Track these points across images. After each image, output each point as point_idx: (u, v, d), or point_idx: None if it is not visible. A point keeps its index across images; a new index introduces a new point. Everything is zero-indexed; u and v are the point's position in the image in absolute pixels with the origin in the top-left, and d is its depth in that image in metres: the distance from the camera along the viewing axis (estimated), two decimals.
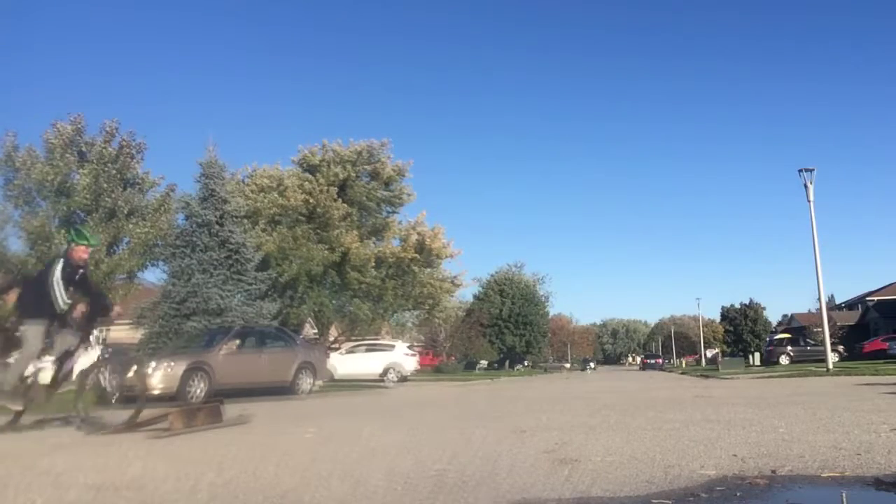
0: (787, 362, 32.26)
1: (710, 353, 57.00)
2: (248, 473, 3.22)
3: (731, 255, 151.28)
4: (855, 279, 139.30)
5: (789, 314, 64.16)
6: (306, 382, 13.73)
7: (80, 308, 6.35)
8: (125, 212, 15.46)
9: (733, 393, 10.23)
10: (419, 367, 28.02)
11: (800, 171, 21.06)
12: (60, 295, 6.12)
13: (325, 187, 25.64)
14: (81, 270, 6.42)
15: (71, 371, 6.41)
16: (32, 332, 6.17)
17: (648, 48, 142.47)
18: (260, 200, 24.84)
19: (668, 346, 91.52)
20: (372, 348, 25.65)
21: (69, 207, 15.06)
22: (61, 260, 6.30)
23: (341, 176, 26.60)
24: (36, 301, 6.19)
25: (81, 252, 6.41)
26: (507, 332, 53.68)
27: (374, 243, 27.17)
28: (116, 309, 6.85)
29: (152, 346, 15.43)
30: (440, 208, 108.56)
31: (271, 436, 5.40)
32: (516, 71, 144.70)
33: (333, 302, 25.48)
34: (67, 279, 6.18)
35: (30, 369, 6.41)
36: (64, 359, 6.37)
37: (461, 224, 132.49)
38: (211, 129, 68.10)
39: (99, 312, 6.63)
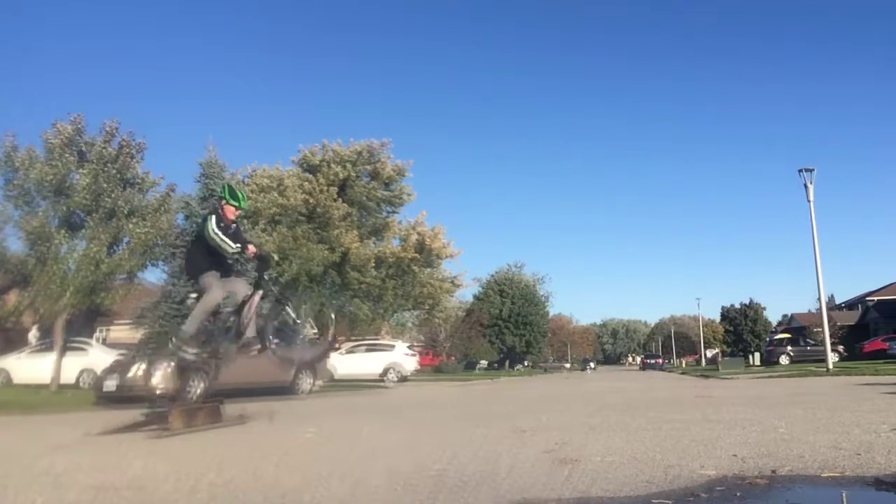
0: (787, 362, 32.27)
1: (710, 353, 56.99)
2: (248, 473, 3.22)
3: (731, 255, 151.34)
4: (855, 279, 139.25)
5: (789, 314, 64.18)
6: (306, 382, 13.73)
7: (251, 248, 6.30)
8: (125, 212, 15.43)
9: (733, 393, 10.23)
10: (419, 367, 28.02)
11: (800, 171, 21.08)
12: (225, 241, 6.12)
13: (325, 187, 25.63)
14: (234, 225, 6.46)
15: (251, 319, 6.35)
16: (209, 281, 6.15)
17: (648, 48, 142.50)
18: (260, 200, 24.83)
19: (668, 346, 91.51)
20: (372, 348, 25.66)
21: (69, 207, 15.03)
22: (213, 215, 6.28)
23: (341, 176, 26.58)
24: (204, 255, 6.21)
25: (230, 212, 6.42)
26: (507, 332, 53.68)
27: (374, 243, 27.16)
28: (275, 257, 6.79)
29: (152, 346, 15.42)
30: (440, 208, 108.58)
31: (271, 436, 5.40)
32: (516, 71, 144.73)
33: (333, 302, 25.48)
34: (223, 231, 6.18)
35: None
36: (241, 308, 6.30)
37: (461, 224, 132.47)
38: (211, 129, 68.17)
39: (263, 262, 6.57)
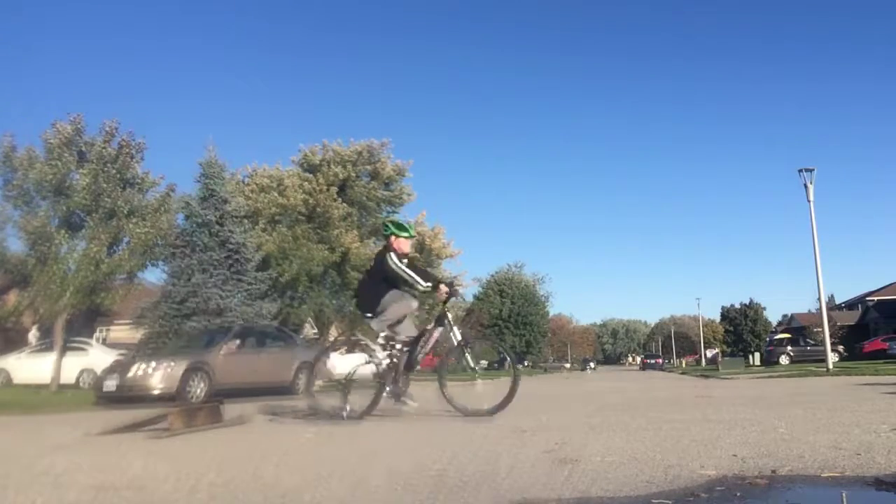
0: (787, 362, 32.28)
1: (710, 353, 57.00)
2: (248, 473, 3.22)
3: (731, 255, 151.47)
4: (855, 279, 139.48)
5: (789, 314, 64.22)
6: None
7: (444, 288, 6.23)
8: (125, 212, 15.44)
9: (733, 393, 10.23)
10: (419, 368, 27.98)
11: (800, 171, 21.09)
12: (414, 278, 6.14)
13: (325, 187, 25.65)
14: (406, 260, 6.39)
15: (425, 355, 6.33)
16: (395, 297, 6.17)
17: (648, 48, 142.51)
18: (260, 200, 24.85)
19: (668, 346, 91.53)
20: None
21: (68, 207, 15.04)
22: (390, 252, 6.27)
23: (341, 176, 26.60)
24: (380, 287, 6.21)
25: (405, 245, 6.43)
26: (507, 332, 53.71)
27: (374, 243, 27.18)
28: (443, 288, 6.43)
29: (152, 346, 15.44)
30: (440, 208, 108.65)
31: (271, 436, 5.40)
32: (516, 70, 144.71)
33: (333, 302, 25.48)
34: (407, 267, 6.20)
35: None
36: (417, 340, 6.28)
37: (461, 224, 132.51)
38: (211, 129, 68.17)
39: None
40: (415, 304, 6.42)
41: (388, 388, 6.19)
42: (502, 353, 6.38)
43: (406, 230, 6.51)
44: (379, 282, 6.32)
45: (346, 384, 6.40)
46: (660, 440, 3.98)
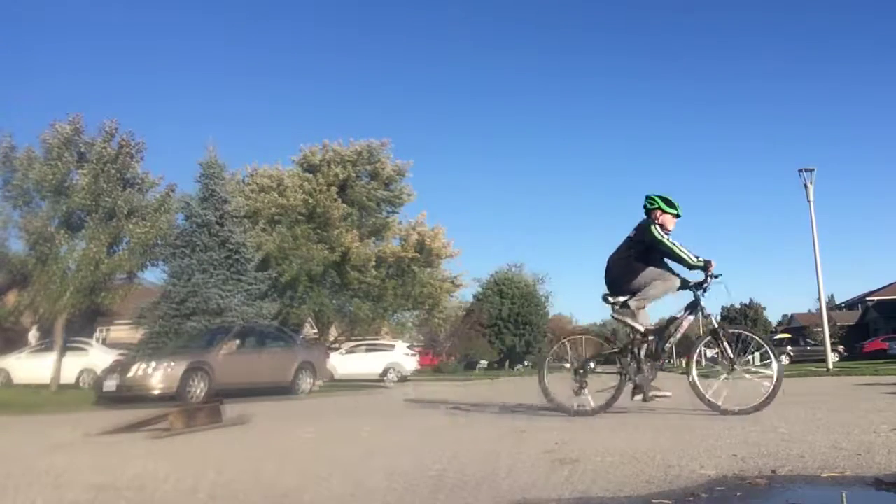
0: (787, 362, 32.27)
1: (710, 354, 56.90)
2: (248, 473, 3.22)
3: (731, 254, 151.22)
4: (855, 279, 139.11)
5: (789, 314, 64.22)
6: (306, 382, 13.74)
7: (714, 263, 5.76)
8: (125, 212, 15.45)
9: (733, 393, 10.21)
10: (419, 367, 28.03)
11: (800, 171, 21.09)
12: (685, 252, 5.71)
13: (326, 187, 25.64)
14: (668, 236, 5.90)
15: (672, 344, 5.89)
16: (656, 273, 5.75)
17: (648, 48, 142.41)
18: (260, 200, 24.84)
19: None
20: (372, 348, 25.66)
21: (68, 207, 15.05)
22: (652, 225, 5.84)
23: (341, 176, 26.59)
24: (638, 262, 5.78)
25: (670, 221, 5.96)
26: (507, 333, 53.61)
27: (374, 243, 27.19)
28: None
29: (152, 346, 15.43)
30: (440, 208, 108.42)
31: (271, 436, 5.40)
32: (516, 70, 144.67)
33: (333, 302, 25.48)
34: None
35: None
36: (667, 327, 5.90)
37: (461, 224, 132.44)
38: (211, 129, 68.15)
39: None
40: (678, 282, 5.86)
41: (636, 379, 5.73)
42: (763, 345, 5.78)
43: (674, 206, 6.01)
44: (638, 256, 5.85)
45: (583, 376, 5.91)
46: (660, 440, 3.98)
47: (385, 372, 23.76)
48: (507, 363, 51.46)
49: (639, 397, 5.78)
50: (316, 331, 27.31)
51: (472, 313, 47.12)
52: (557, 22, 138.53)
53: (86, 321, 19.94)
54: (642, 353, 5.79)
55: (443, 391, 15.80)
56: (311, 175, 26.50)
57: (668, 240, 5.77)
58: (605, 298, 6.03)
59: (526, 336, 55.00)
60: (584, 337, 6.62)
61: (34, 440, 5.32)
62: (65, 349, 15.77)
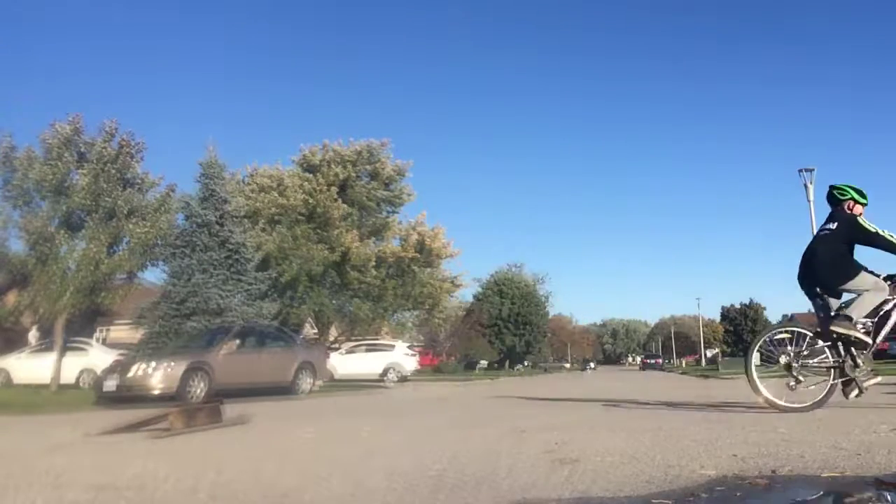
0: None
1: (710, 353, 57.00)
2: (248, 473, 3.22)
3: (731, 255, 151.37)
4: None
5: (789, 314, 64.12)
6: (306, 382, 13.74)
7: None
8: (125, 212, 15.45)
9: (733, 393, 10.23)
10: (419, 367, 28.04)
11: (800, 171, 21.11)
12: None
13: (326, 187, 25.63)
14: None
15: (882, 337, 5.64)
16: (870, 280, 5.55)
17: (648, 49, 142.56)
18: (260, 200, 24.84)
19: (669, 346, 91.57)
20: (372, 348, 25.66)
21: (68, 207, 15.05)
22: (858, 217, 5.67)
23: (341, 176, 26.58)
24: (850, 256, 5.62)
25: (860, 211, 5.79)
26: (507, 333, 53.66)
27: (374, 243, 27.18)
28: None
29: (152, 346, 15.43)
30: (440, 208, 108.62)
31: (271, 436, 5.40)
32: (516, 70, 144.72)
33: (333, 302, 25.48)
34: None
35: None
36: (880, 321, 5.64)
37: (461, 224, 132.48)
38: (211, 129, 68.16)
39: None
40: (887, 291, 5.61)
41: (856, 375, 5.58)
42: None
43: (866, 198, 5.84)
44: (849, 253, 5.68)
45: (796, 371, 5.77)
46: (660, 440, 3.98)
47: (385, 372, 23.77)
48: (507, 363, 51.46)
49: (854, 393, 5.61)
50: (316, 331, 27.31)
51: (472, 313, 47.15)
52: (557, 22, 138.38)
53: (86, 321, 19.93)
54: (854, 347, 5.62)
55: (443, 391, 15.80)
56: (311, 175, 26.50)
57: (886, 232, 5.50)
58: (809, 293, 5.90)
59: (526, 336, 55.02)
60: (796, 330, 6.34)
61: (34, 440, 5.32)
62: (65, 349, 15.76)
